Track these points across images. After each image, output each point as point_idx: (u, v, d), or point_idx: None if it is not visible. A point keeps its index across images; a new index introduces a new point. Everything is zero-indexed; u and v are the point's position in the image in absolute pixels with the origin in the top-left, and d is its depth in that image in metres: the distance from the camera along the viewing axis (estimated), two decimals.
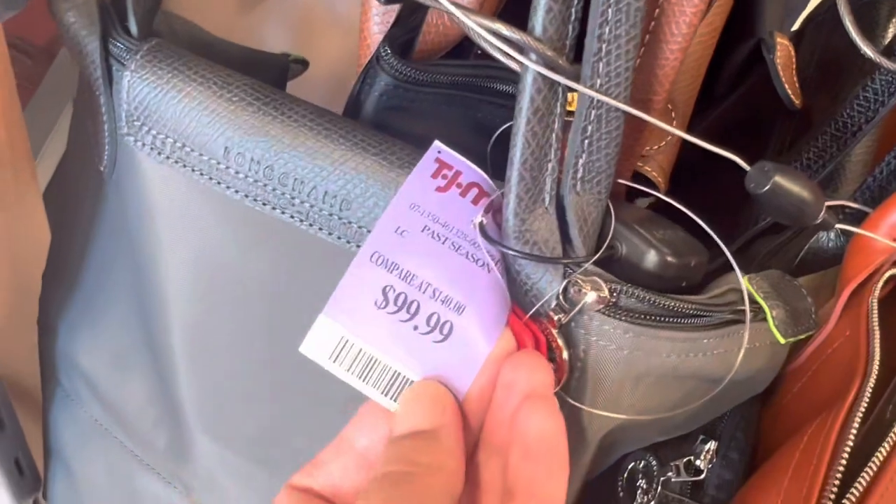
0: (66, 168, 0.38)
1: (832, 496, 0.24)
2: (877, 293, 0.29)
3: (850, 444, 0.25)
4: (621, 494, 0.33)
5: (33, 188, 0.39)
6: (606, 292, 0.24)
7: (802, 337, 0.30)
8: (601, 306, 0.24)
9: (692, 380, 0.27)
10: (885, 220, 0.29)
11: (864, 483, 0.24)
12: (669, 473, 0.31)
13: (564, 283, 0.24)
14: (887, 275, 0.30)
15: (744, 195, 0.36)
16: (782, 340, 0.29)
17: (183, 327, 0.31)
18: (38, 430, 0.43)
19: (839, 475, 0.24)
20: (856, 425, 0.25)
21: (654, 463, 0.32)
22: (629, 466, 0.33)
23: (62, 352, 0.37)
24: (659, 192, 0.35)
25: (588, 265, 0.25)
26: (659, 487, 0.32)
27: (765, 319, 0.29)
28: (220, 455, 0.33)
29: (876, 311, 0.29)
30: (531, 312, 0.25)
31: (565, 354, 0.25)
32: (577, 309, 0.24)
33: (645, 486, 0.32)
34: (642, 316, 0.25)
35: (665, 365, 0.26)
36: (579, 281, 0.24)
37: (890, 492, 0.24)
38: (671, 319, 0.25)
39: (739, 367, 0.28)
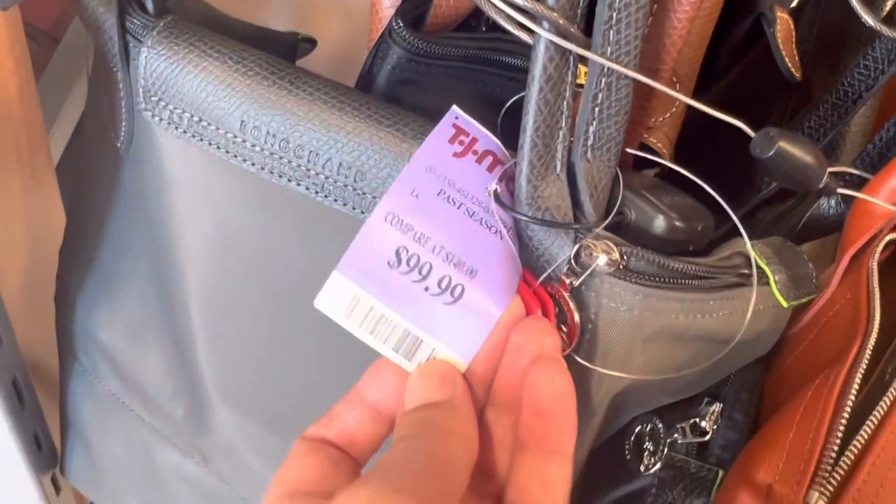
0: (80, 147, 0.38)
1: (835, 450, 0.25)
2: (877, 256, 0.30)
3: (852, 400, 0.26)
4: (629, 457, 0.34)
5: (48, 166, 0.39)
6: (617, 255, 0.25)
7: (804, 301, 0.31)
8: (612, 269, 0.25)
9: (699, 341, 0.28)
10: (885, 185, 0.30)
11: (865, 437, 0.25)
12: (676, 435, 0.32)
13: (576, 247, 0.25)
14: (887, 239, 0.31)
15: (745, 166, 0.36)
16: (785, 304, 0.30)
17: (201, 299, 0.32)
18: (54, 407, 0.44)
19: (842, 429, 0.25)
20: (857, 383, 0.26)
21: (660, 426, 0.33)
22: (636, 430, 0.34)
23: (80, 327, 0.38)
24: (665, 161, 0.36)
25: (599, 230, 0.25)
26: (665, 449, 0.33)
27: (768, 283, 0.30)
28: (240, 424, 0.34)
29: (876, 274, 0.29)
30: (543, 277, 0.26)
31: (577, 317, 0.26)
32: (588, 272, 0.25)
33: (652, 448, 0.33)
34: (652, 278, 0.26)
35: (674, 326, 0.26)
36: (590, 245, 0.25)
37: (891, 444, 0.25)
38: (680, 281, 0.26)
39: (747, 329, 0.28)
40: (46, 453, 0.44)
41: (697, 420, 0.32)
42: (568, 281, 0.25)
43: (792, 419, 0.27)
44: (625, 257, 0.25)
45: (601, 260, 0.25)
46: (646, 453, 0.33)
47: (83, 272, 0.36)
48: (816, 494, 0.24)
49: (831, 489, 0.24)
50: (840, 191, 0.29)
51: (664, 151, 0.35)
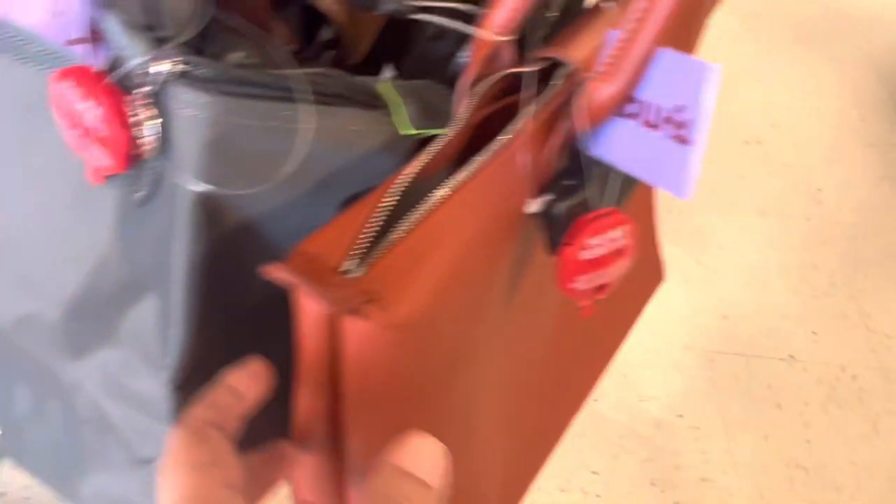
0: None
1: (376, 229, 0.29)
2: (483, 84, 0.33)
3: (406, 185, 0.29)
4: None
5: None
6: (184, 64, 0.29)
7: (433, 131, 0.35)
8: (181, 77, 0.29)
9: (280, 153, 0.31)
10: (493, 19, 0.33)
11: (410, 222, 0.29)
12: None
13: (151, 56, 0.29)
14: (501, 74, 0.34)
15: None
16: (407, 130, 0.34)
17: None
18: None
19: (388, 211, 0.29)
20: (412, 174, 0.29)
21: None
22: None
23: None
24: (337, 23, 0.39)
25: (174, 45, 0.29)
26: None
27: (388, 112, 0.33)
28: None
29: (475, 101, 0.33)
30: (122, 81, 0.29)
31: (150, 125, 0.29)
32: (160, 79, 0.29)
33: None
34: (220, 85, 0.29)
35: (248, 133, 0.30)
36: (160, 56, 0.29)
37: (433, 227, 0.29)
38: (249, 90, 0.30)
39: (352, 148, 0.32)
40: None
41: None
42: (144, 89, 0.29)
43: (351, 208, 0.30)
44: (191, 65, 0.29)
45: (166, 67, 0.29)
46: None
47: None
48: (357, 262, 0.28)
49: (367, 257, 0.28)
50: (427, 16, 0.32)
51: (334, 13, 0.38)
